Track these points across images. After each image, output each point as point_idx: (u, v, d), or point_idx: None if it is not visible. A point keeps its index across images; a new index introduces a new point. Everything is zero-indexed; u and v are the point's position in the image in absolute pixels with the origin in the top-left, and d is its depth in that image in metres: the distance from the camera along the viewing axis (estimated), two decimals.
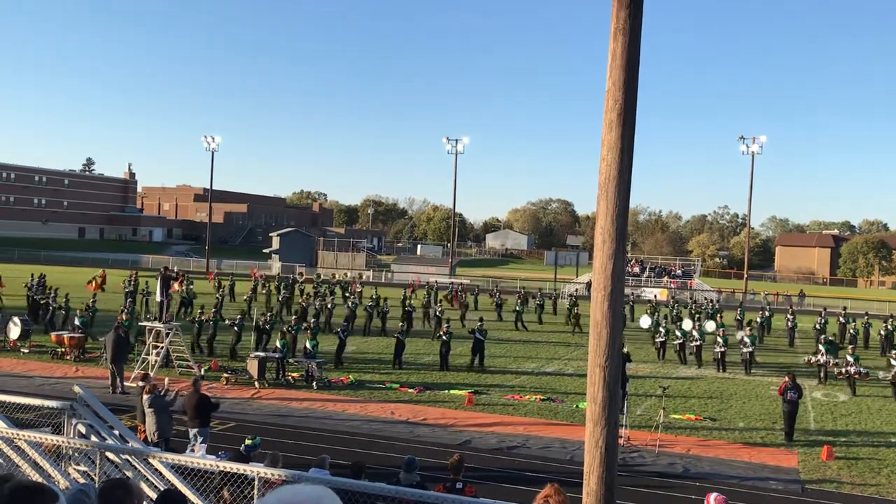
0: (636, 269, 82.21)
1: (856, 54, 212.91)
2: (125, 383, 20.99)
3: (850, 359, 26.20)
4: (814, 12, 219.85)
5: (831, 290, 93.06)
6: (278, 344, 24.41)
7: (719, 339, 30.04)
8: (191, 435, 14.63)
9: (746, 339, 29.67)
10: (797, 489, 15.15)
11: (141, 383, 15.77)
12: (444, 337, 27.11)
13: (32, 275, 40.34)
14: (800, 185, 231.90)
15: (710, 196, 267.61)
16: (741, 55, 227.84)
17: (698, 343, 30.77)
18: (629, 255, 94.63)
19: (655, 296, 60.95)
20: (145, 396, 14.80)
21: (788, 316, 39.81)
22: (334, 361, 26.12)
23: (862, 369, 26.12)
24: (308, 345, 24.15)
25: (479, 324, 28.37)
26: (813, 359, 28.54)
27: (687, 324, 33.29)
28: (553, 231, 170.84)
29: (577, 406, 21.19)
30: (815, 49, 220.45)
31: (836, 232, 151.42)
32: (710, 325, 34.91)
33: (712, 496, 9.43)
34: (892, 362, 26.41)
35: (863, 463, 17.20)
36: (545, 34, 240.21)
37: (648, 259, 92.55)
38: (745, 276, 74.93)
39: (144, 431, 14.86)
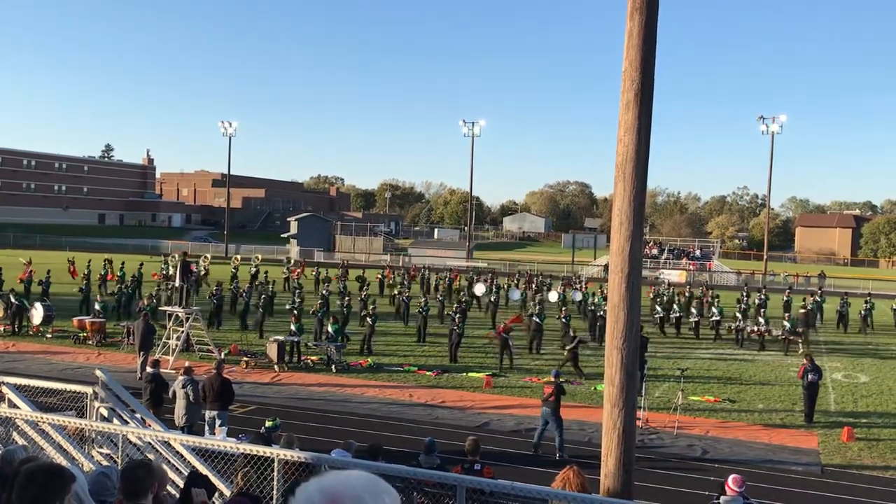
0: (654, 251, 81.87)
1: (876, 31, 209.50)
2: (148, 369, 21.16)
3: (761, 320, 29.29)
4: None
5: (853, 271, 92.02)
6: (293, 327, 24.56)
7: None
8: (208, 417, 14.73)
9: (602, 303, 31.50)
10: (817, 470, 15.09)
11: (150, 369, 15.72)
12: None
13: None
14: (821, 165, 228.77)
15: (730, 177, 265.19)
16: (760, 32, 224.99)
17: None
18: (647, 236, 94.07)
19: (665, 277, 60.63)
20: (180, 378, 14.81)
21: (784, 297, 38.33)
22: (450, 357, 24.98)
23: (764, 327, 29.32)
24: (330, 329, 24.50)
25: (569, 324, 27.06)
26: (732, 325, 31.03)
27: (553, 295, 37.15)
28: (571, 214, 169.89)
29: (594, 388, 21.18)
30: (834, 25, 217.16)
31: (857, 212, 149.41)
32: (552, 296, 37.53)
33: (730, 478, 9.43)
34: (785, 323, 28.96)
35: (884, 444, 17.09)
36: (562, 14, 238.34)
37: (667, 241, 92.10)
38: (765, 257, 74.45)
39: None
